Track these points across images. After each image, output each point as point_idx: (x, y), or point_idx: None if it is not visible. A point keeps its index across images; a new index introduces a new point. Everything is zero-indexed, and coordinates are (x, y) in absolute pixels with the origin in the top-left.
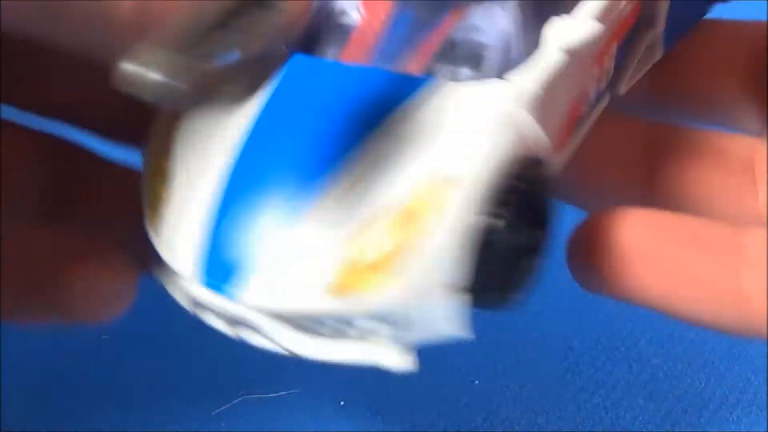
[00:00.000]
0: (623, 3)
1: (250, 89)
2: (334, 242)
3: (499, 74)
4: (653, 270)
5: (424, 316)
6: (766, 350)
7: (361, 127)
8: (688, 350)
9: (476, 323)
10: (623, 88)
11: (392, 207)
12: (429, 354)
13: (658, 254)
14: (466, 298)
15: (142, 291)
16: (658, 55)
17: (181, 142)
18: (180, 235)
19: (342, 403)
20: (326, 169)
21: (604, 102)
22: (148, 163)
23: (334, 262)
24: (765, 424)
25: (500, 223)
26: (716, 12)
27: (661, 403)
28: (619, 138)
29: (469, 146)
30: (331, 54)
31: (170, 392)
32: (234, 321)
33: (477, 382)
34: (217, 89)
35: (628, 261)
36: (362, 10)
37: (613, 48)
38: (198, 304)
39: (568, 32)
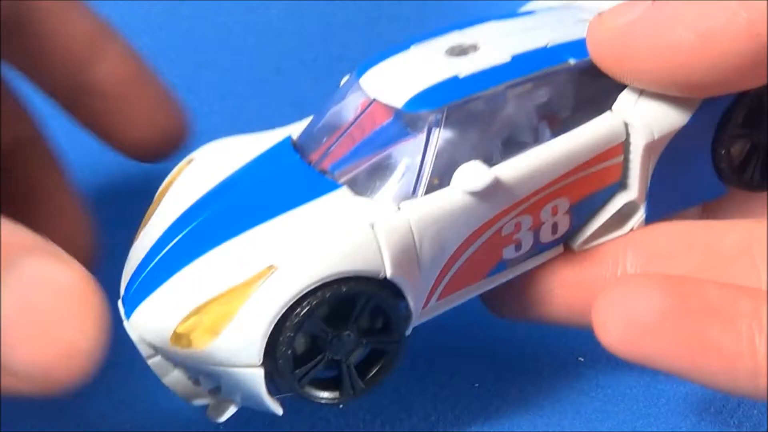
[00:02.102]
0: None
1: (220, 167)
2: (190, 301)
3: (403, 195)
4: (671, 341)
5: (235, 380)
6: None
7: (264, 212)
8: None
9: (477, 327)
10: (582, 245)
11: (230, 284)
12: (430, 357)
13: (678, 326)
14: (263, 374)
15: None
16: (636, 223)
17: (162, 203)
18: (127, 268)
19: (340, 405)
20: (217, 240)
21: (554, 252)
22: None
23: (181, 316)
24: (766, 426)
25: (302, 314)
26: None
27: (663, 406)
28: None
29: (306, 246)
30: (322, 134)
31: (170, 392)
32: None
33: (477, 385)
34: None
35: (647, 331)
36: (359, 114)
37: (562, 204)
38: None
39: (468, 178)
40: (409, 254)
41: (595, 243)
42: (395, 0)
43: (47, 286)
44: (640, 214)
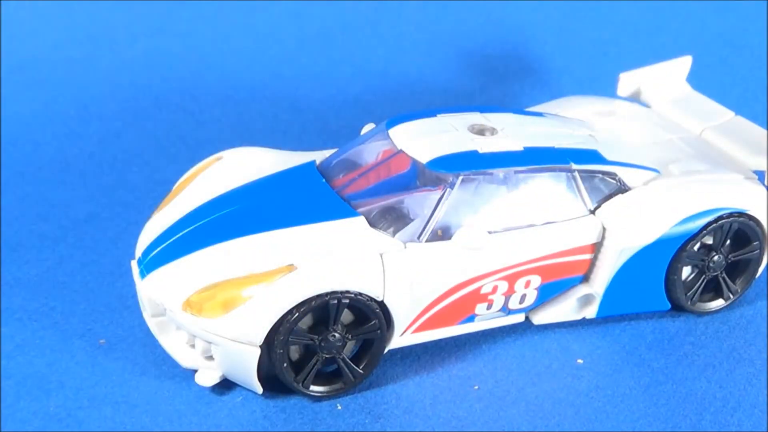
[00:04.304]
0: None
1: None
2: (209, 276)
3: (410, 237)
4: None
5: (232, 353)
6: (766, 352)
7: (287, 219)
8: (688, 354)
9: (477, 329)
10: (539, 320)
11: (250, 271)
12: (429, 359)
13: None
14: (258, 354)
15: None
16: (590, 313)
17: (188, 187)
18: (146, 235)
19: (339, 407)
20: (240, 232)
21: (515, 319)
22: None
23: (198, 286)
24: (765, 425)
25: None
26: (716, 10)
27: (662, 406)
28: None
29: (325, 257)
30: (345, 166)
31: (170, 393)
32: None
33: (477, 387)
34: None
35: None
36: (384, 158)
37: (535, 280)
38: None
39: (468, 237)
40: (404, 287)
41: (550, 321)
42: (395, 1)
43: None
44: (594, 307)
